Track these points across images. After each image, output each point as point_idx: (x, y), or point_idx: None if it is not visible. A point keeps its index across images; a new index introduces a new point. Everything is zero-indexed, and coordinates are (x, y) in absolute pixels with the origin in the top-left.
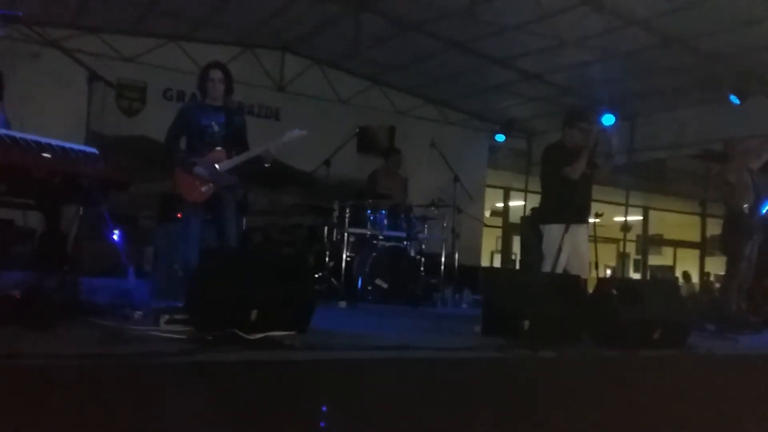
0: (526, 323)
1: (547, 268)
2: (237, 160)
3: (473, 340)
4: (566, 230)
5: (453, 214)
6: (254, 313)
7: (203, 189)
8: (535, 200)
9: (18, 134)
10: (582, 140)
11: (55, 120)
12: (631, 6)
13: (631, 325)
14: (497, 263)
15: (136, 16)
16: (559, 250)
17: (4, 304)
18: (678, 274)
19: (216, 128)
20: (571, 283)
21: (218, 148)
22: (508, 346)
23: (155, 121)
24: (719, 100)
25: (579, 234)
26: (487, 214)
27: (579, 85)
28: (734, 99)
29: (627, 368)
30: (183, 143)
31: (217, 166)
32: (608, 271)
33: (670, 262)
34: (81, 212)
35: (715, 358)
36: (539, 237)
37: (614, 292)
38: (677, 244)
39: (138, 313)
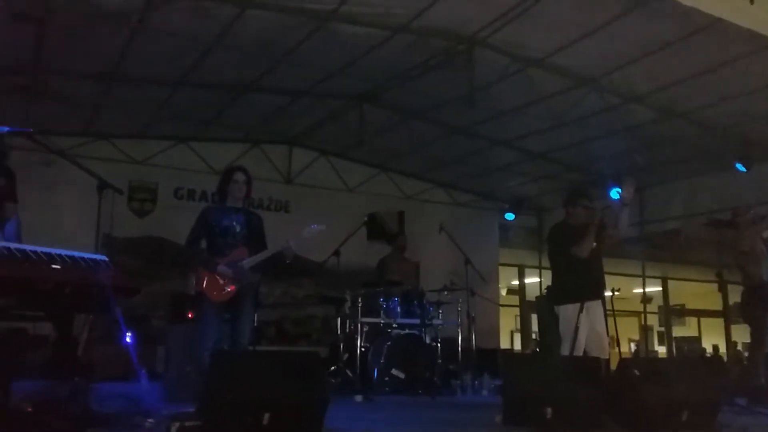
0: (549, 411)
1: (565, 350)
2: (260, 257)
3: (494, 431)
4: (581, 309)
5: (467, 297)
6: (267, 417)
7: (227, 288)
8: (550, 277)
9: (28, 247)
10: (586, 218)
11: (68, 225)
12: (629, 83)
13: (657, 407)
14: (517, 343)
15: (145, 121)
16: (576, 330)
17: (16, 417)
18: (706, 345)
19: (238, 228)
20: (591, 366)
21: (240, 247)
22: None
23: (166, 221)
24: (727, 169)
25: (595, 312)
26: (504, 292)
27: (584, 162)
28: (740, 167)
29: None
30: (203, 244)
31: (240, 264)
32: (632, 346)
33: (695, 333)
34: (92, 317)
35: None
36: (555, 318)
37: (636, 372)
38: (700, 313)
39: (149, 421)
